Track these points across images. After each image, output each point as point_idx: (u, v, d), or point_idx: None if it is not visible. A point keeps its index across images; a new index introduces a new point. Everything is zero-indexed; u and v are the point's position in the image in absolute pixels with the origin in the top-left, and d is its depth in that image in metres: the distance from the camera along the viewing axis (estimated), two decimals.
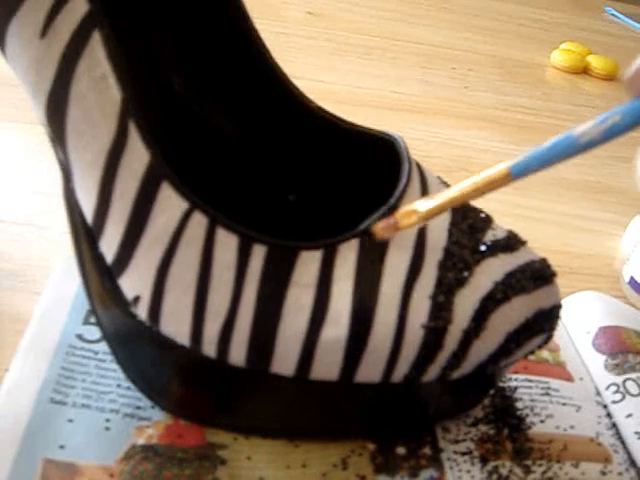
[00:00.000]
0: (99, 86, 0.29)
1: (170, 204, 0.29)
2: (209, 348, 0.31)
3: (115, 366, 0.36)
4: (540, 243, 0.52)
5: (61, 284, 0.42)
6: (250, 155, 0.39)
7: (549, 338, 0.34)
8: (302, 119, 0.37)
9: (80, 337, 0.38)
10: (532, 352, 0.34)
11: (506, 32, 1.00)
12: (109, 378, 0.37)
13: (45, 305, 0.40)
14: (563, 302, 0.35)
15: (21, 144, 0.56)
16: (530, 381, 0.40)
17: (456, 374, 0.33)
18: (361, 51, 0.84)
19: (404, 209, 0.30)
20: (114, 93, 0.29)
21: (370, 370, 0.31)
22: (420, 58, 0.85)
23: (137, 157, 0.29)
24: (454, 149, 0.66)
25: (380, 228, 0.31)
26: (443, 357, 0.32)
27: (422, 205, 0.30)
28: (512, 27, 1.03)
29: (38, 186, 0.51)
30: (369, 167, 0.37)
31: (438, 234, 0.32)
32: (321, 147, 0.38)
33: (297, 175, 0.39)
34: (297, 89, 0.37)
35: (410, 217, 0.30)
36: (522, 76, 0.86)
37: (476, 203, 0.34)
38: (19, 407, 0.34)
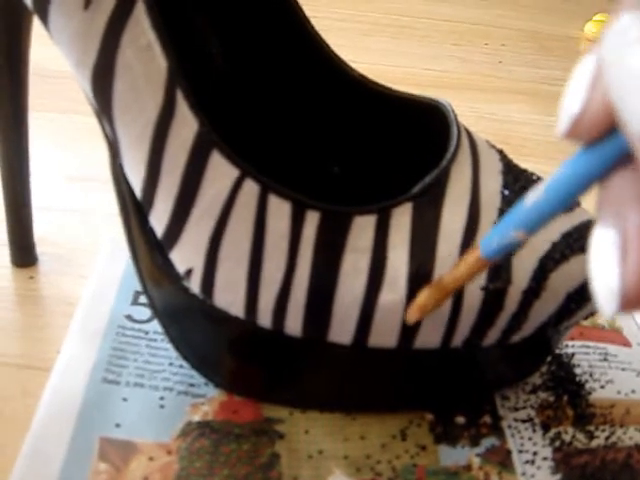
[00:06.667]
0: (145, 56, 0.28)
1: (221, 172, 0.29)
2: (264, 318, 0.31)
3: (166, 345, 0.36)
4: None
5: (108, 266, 0.41)
6: (292, 128, 0.38)
7: None
8: (345, 88, 0.36)
9: (129, 317, 0.38)
10: (592, 314, 0.33)
11: (537, 6, 0.98)
12: (161, 357, 0.36)
13: (93, 287, 0.40)
14: None
15: (52, 133, 0.56)
16: (587, 347, 0.39)
17: (516, 337, 0.32)
18: (392, 31, 0.83)
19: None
20: (160, 62, 0.28)
21: (429, 335, 0.31)
22: (452, 36, 0.84)
23: (185, 126, 0.28)
24: (493, 123, 0.65)
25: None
26: (503, 319, 0.31)
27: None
28: (543, 1, 1.01)
29: (75, 172, 0.51)
30: (416, 135, 0.37)
31: (491, 196, 0.32)
32: (366, 116, 0.37)
33: (341, 146, 0.38)
34: (339, 58, 0.36)
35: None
36: (556, 49, 0.85)
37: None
38: (73, 387, 0.34)
